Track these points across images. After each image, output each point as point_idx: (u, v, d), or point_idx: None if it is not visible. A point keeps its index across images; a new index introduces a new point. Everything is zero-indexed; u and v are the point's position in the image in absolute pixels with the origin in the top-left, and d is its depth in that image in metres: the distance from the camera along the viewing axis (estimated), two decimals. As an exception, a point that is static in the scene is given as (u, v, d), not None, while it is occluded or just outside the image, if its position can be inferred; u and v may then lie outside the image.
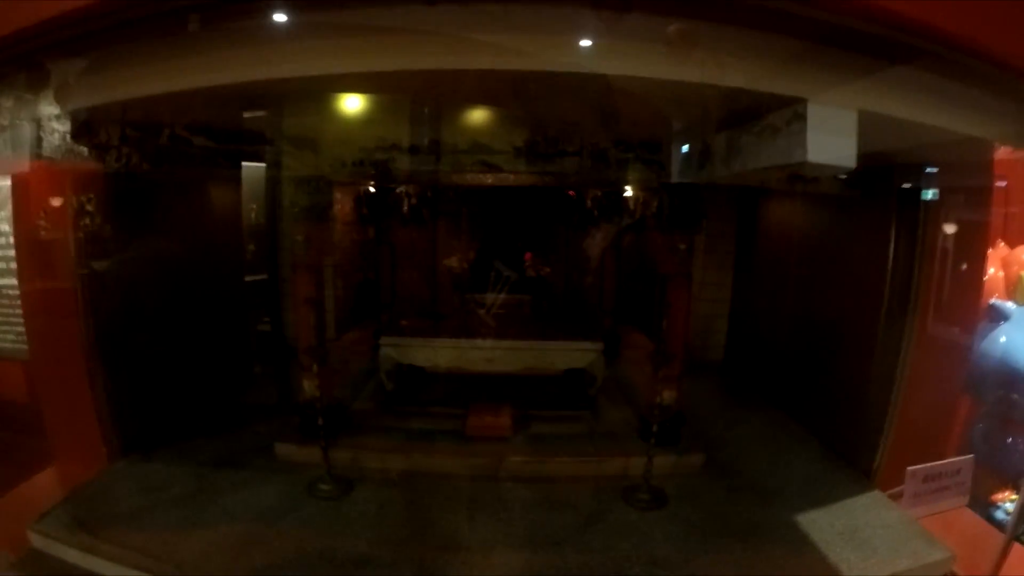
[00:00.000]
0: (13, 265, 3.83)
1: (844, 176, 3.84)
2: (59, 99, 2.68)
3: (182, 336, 4.31)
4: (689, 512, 3.52)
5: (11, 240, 3.83)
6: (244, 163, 4.92)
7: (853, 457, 4.05)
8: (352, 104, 3.77)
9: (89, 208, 3.62)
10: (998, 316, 4.00)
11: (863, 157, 2.32)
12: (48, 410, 3.75)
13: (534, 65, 2.22)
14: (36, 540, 3.12)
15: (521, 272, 5.56)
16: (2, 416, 3.98)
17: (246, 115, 3.85)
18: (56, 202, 3.57)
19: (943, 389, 3.78)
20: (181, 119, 3.57)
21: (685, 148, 3.68)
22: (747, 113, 2.78)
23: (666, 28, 2.03)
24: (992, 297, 4.07)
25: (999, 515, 3.71)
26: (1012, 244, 4.47)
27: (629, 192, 5.11)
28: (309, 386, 4.10)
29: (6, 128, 2.83)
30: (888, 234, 3.77)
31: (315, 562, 2.98)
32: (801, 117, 2.25)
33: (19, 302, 3.86)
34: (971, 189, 3.57)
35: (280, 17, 2.10)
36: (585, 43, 2.20)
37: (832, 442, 4.35)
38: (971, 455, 3.37)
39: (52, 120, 2.92)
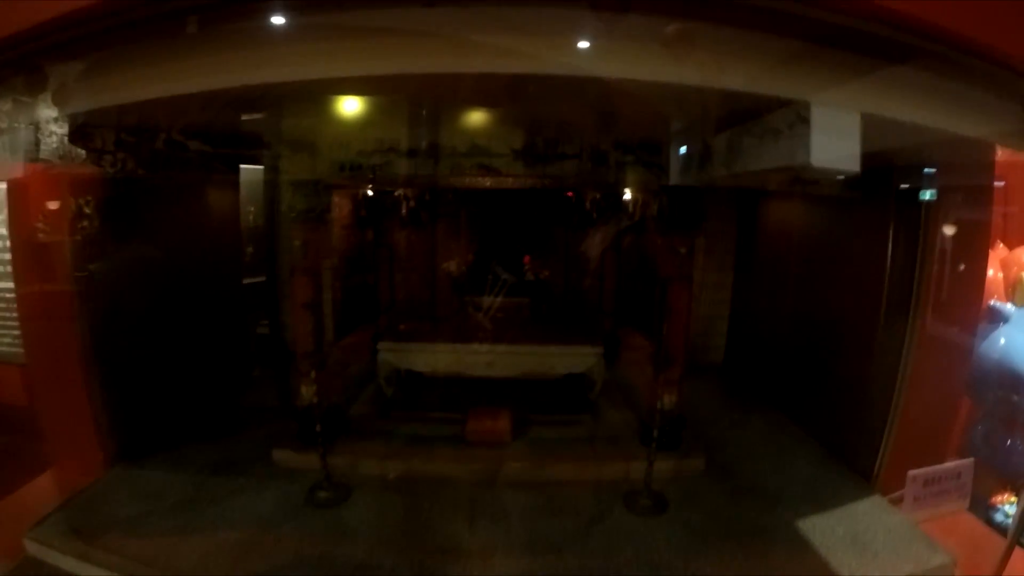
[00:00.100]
0: (9, 268, 3.81)
1: (843, 177, 3.84)
2: (57, 102, 2.67)
3: (180, 339, 4.29)
4: (690, 516, 3.50)
5: (7, 244, 3.81)
6: (242, 165, 4.92)
7: (854, 459, 4.04)
8: (350, 107, 3.76)
9: (87, 211, 3.60)
10: (997, 318, 4.00)
11: (863, 158, 2.32)
12: (44, 415, 3.72)
13: (532, 67, 2.21)
14: (31, 548, 3.10)
15: (520, 275, 5.54)
16: (-1, 420, 3.96)
17: (243, 118, 3.84)
18: (54, 205, 3.55)
19: (944, 391, 3.77)
20: (177, 123, 3.55)
21: (685, 150, 3.68)
22: (747, 114, 2.78)
23: (664, 29, 2.02)
24: (991, 299, 4.07)
25: (998, 517, 3.69)
26: (1011, 245, 4.47)
27: (628, 194, 5.10)
28: (307, 392, 4.08)
29: (4, 131, 2.82)
30: (888, 235, 3.77)
31: (313, 569, 2.96)
32: (804, 120, 2.24)
33: (15, 305, 3.84)
34: (971, 189, 3.56)
35: (277, 20, 2.09)
36: (583, 44, 2.19)
37: (832, 444, 4.34)
38: (971, 458, 3.37)
39: (50, 123, 2.91)
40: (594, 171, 3.90)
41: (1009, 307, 4.02)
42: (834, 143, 2.23)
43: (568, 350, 4.72)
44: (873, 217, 3.91)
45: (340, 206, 5.36)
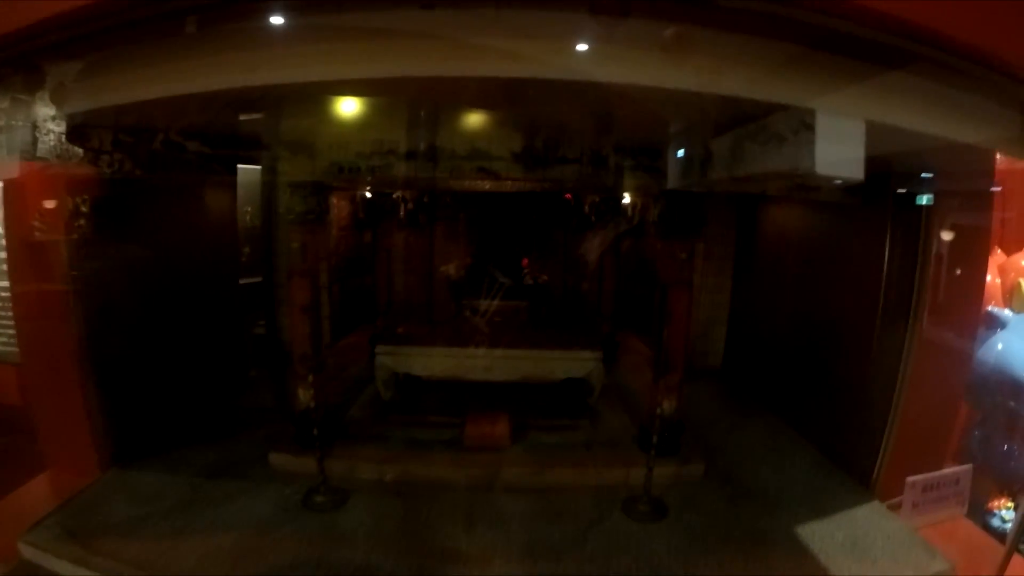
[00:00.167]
0: (4, 267, 3.79)
1: (841, 182, 3.83)
2: (55, 101, 2.66)
3: (177, 340, 4.28)
4: (689, 521, 3.49)
5: (3, 242, 3.80)
6: (240, 166, 4.91)
7: (852, 465, 4.03)
8: (349, 108, 3.75)
9: (84, 210, 3.58)
10: (995, 324, 4.00)
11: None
12: (40, 415, 3.71)
13: (532, 70, 2.20)
14: (27, 551, 3.07)
15: (518, 278, 5.54)
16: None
17: (242, 119, 3.83)
18: (51, 204, 3.54)
19: (943, 396, 3.77)
20: (175, 124, 3.54)
21: (685, 154, 3.67)
22: (748, 118, 2.77)
23: (663, 33, 2.02)
24: (989, 305, 4.08)
25: (995, 522, 3.70)
26: (1008, 251, 4.48)
27: (628, 198, 5.10)
28: (304, 396, 4.06)
29: (1, 129, 2.80)
30: (886, 240, 3.78)
31: (310, 573, 2.94)
32: (808, 126, 2.24)
33: (10, 304, 3.83)
34: (971, 195, 3.56)
35: (276, 20, 2.08)
36: (583, 48, 2.19)
37: (831, 449, 4.34)
38: (969, 465, 3.38)
39: (48, 121, 2.89)
40: (593, 175, 3.89)
41: (1007, 313, 4.03)
42: (839, 149, 2.22)
43: (567, 354, 4.71)
44: (871, 222, 3.91)
45: (338, 208, 5.36)
